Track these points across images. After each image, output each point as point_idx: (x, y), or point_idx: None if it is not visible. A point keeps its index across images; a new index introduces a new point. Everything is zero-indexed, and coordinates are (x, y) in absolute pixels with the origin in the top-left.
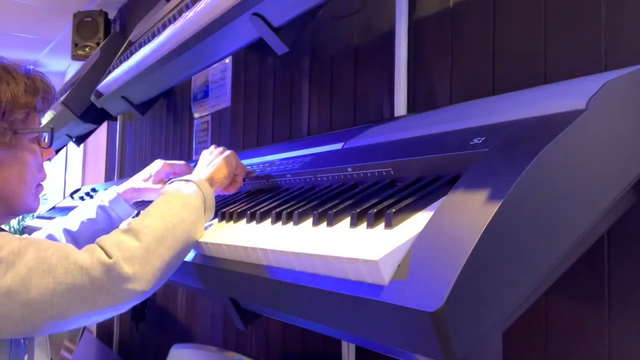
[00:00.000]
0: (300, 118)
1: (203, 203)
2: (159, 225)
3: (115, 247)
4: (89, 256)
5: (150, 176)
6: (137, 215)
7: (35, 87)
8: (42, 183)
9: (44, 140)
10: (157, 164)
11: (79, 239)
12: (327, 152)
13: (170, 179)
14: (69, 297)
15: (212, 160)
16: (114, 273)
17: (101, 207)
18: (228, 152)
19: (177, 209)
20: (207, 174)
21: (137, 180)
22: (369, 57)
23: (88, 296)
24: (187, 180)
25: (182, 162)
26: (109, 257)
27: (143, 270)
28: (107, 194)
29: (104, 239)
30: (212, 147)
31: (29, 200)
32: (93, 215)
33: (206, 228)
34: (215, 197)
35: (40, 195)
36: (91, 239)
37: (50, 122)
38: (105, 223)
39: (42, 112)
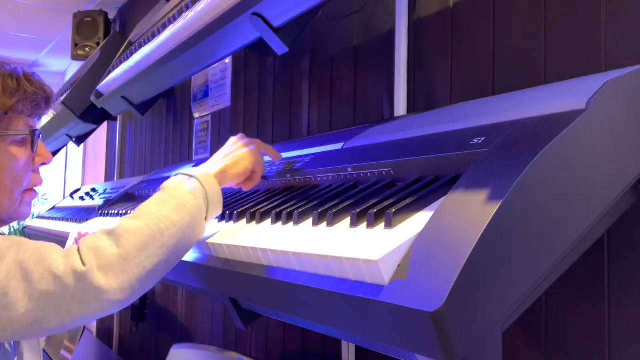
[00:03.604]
0: (300, 118)
1: (204, 201)
2: (144, 230)
3: (91, 254)
4: (64, 262)
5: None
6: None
7: (18, 87)
8: (37, 188)
9: (35, 143)
10: (72, 235)
11: None
12: (327, 152)
13: None
14: (44, 304)
15: (232, 152)
16: (87, 283)
17: None
18: (252, 145)
19: (168, 212)
20: (219, 168)
21: None
22: (369, 57)
23: (62, 304)
24: (190, 176)
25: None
26: (83, 264)
27: (118, 280)
28: None
29: (85, 241)
30: (240, 135)
31: (10, 205)
32: None
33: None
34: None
35: (33, 201)
36: None
37: (49, 122)
38: None
39: (33, 115)
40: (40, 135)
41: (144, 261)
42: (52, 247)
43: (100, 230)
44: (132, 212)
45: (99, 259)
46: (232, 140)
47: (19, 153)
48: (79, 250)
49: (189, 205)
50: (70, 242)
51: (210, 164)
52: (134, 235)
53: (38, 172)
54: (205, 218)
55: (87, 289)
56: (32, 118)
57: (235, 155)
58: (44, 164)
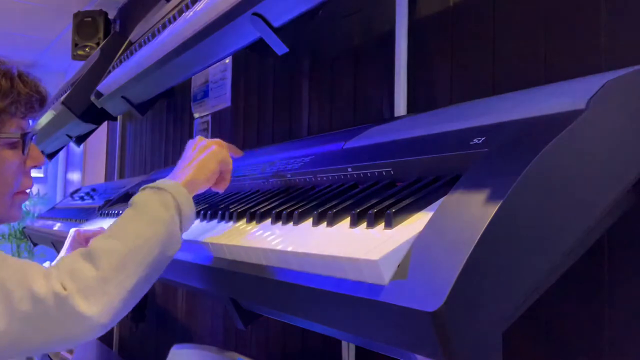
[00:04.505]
0: (300, 118)
1: (177, 213)
2: (120, 249)
3: (70, 277)
4: (45, 284)
5: (69, 248)
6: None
7: (11, 89)
8: (38, 187)
9: (27, 146)
10: (70, 234)
11: None
12: (327, 152)
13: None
14: (24, 326)
15: (194, 157)
16: (68, 308)
17: None
18: (214, 146)
19: (143, 228)
20: (186, 177)
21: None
22: (369, 57)
23: (42, 328)
24: (158, 188)
25: (98, 228)
26: (64, 288)
27: (99, 304)
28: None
29: (62, 264)
30: (198, 138)
31: (0, 208)
32: None
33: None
34: (212, 196)
35: (24, 204)
36: None
37: (49, 122)
38: None
39: (26, 117)
40: (34, 137)
41: (124, 281)
42: (34, 268)
43: (77, 251)
44: (107, 230)
45: (78, 282)
46: (191, 145)
47: (10, 156)
48: (58, 272)
49: (163, 219)
50: (67, 241)
51: (176, 174)
52: (110, 256)
53: (29, 175)
54: (180, 229)
55: (69, 314)
56: (25, 120)
57: (199, 160)
58: (35, 167)
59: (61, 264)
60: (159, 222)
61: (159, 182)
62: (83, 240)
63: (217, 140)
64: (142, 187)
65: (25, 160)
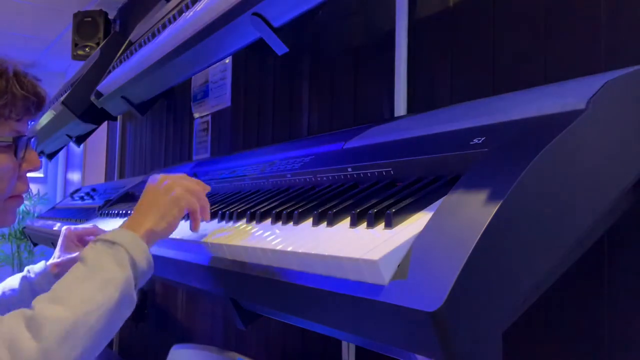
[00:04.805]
0: (300, 118)
1: (133, 271)
2: (66, 317)
3: (7, 348)
4: None
5: (62, 246)
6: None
7: (5, 91)
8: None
9: (21, 149)
10: (62, 232)
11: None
12: (327, 152)
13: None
14: None
15: (155, 202)
16: None
17: (26, 279)
18: (177, 188)
19: (93, 292)
20: (145, 228)
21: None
22: (369, 57)
23: None
24: (112, 242)
25: (90, 225)
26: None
27: None
28: (37, 265)
29: (2, 330)
30: (160, 177)
31: None
32: (16, 286)
33: (205, 229)
34: (212, 196)
35: (18, 209)
36: None
37: (49, 122)
38: (29, 297)
39: (21, 119)
40: (33, 140)
41: (69, 353)
42: None
43: (19, 313)
44: (52, 290)
45: (15, 355)
46: (152, 185)
47: (3, 160)
48: None
49: (116, 280)
50: (60, 240)
51: (134, 222)
52: (54, 324)
53: (25, 179)
54: (135, 287)
55: None
56: (20, 122)
57: (159, 205)
58: (30, 170)
59: (1, 328)
60: (112, 284)
61: (114, 234)
62: (75, 238)
63: (182, 178)
64: (94, 239)
65: (21, 163)
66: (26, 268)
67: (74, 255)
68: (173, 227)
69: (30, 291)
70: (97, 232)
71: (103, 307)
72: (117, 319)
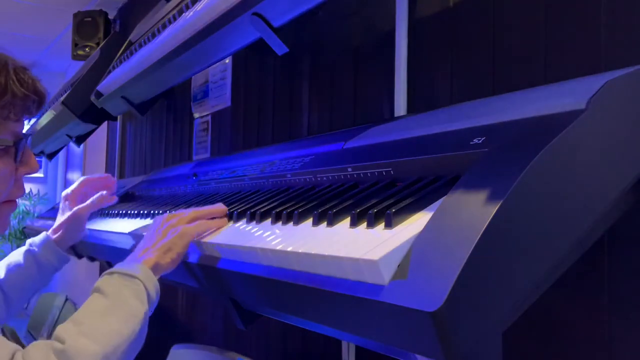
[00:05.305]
0: (300, 118)
1: (149, 305)
2: (96, 350)
3: None
4: None
5: (67, 202)
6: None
7: (4, 90)
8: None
9: (19, 152)
10: (75, 183)
11: (5, 287)
12: (327, 152)
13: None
14: None
15: (159, 239)
16: None
17: (30, 253)
18: (180, 227)
19: (120, 325)
20: (151, 260)
21: (59, 217)
22: (369, 57)
23: None
24: (131, 276)
25: (103, 175)
26: None
27: None
28: (38, 237)
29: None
30: (167, 216)
31: None
32: (21, 260)
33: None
34: (212, 196)
35: (12, 215)
36: (22, 289)
37: (49, 122)
38: (35, 271)
39: (20, 119)
40: (28, 141)
41: None
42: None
43: (48, 346)
44: (77, 322)
45: None
46: (158, 223)
47: (0, 164)
48: None
49: (139, 314)
50: (74, 185)
51: (142, 256)
52: (86, 358)
53: (21, 183)
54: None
55: None
56: (18, 123)
57: (163, 243)
58: (27, 174)
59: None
60: (136, 317)
61: (129, 267)
62: (80, 191)
63: (191, 215)
64: (109, 271)
65: (18, 167)
66: (27, 241)
67: (67, 215)
68: (176, 261)
69: (35, 264)
70: (110, 183)
71: (128, 341)
72: (136, 350)
